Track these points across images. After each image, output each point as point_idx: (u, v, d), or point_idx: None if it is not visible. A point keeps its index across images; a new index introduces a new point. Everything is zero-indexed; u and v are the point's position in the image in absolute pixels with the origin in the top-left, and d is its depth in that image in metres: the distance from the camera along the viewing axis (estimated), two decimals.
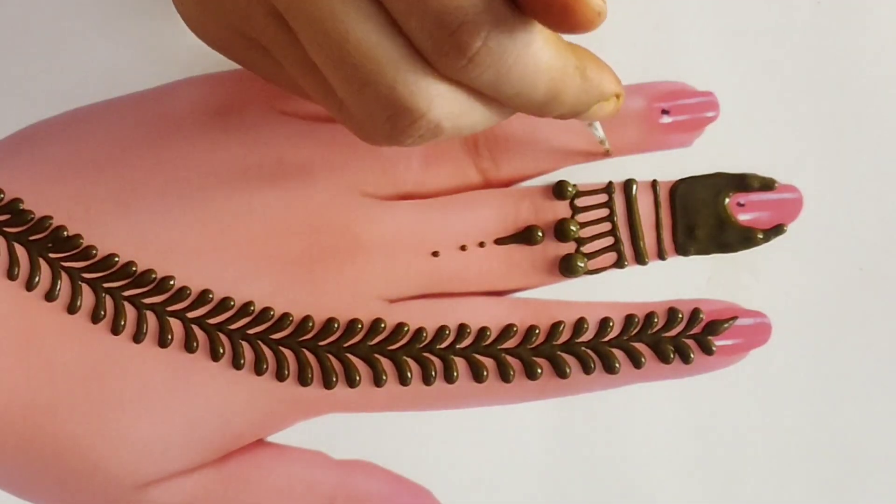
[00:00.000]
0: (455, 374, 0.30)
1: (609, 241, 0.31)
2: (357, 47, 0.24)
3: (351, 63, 0.24)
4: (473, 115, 0.26)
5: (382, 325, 0.29)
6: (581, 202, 0.31)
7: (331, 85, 0.25)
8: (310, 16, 0.24)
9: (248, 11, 0.25)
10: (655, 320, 0.30)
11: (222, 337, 0.29)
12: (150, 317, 0.29)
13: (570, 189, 0.31)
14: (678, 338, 0.30)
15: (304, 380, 0.29)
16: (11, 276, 0.28)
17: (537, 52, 0.24)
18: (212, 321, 0.29)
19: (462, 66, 0.24)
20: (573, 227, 0.31)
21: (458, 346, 0.30)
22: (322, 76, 0.25)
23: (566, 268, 0.31)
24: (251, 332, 0.29)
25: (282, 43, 0.25)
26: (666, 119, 0.32)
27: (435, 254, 0.30)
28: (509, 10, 0.23)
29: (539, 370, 0.30)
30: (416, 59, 0.24)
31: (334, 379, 0.29)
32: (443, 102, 0.25)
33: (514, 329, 0.30)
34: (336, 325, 0.29)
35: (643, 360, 0.30)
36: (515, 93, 0.25)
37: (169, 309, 0.29)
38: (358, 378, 0.29)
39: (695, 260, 0.31)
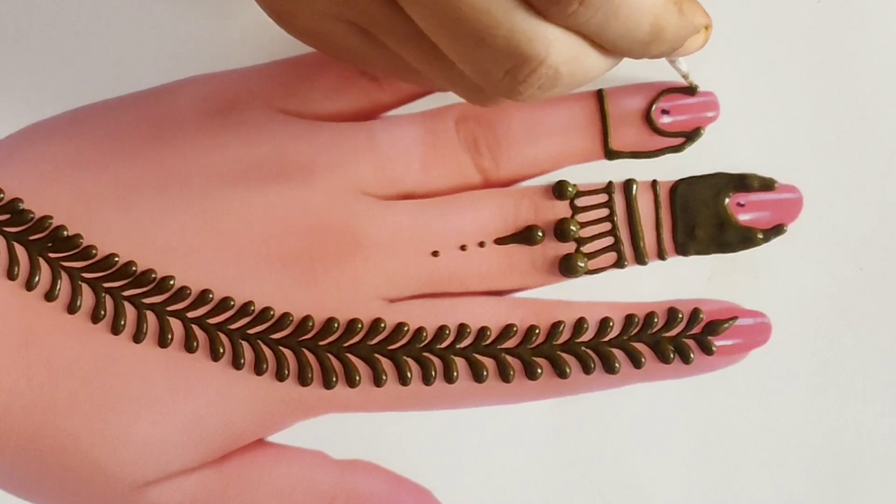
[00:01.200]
0: (455, 373, 0.30)
1: (609, 240, 0.31)
2: (471, 5, 0.24)
3: (466, 20, 0.24)
4: (588, 59, 0.25)
5: (382, 325, 0.29)
6: (581, 202, 0.31)
7: (440, 53, 0.25)
8: None
9: None
10: (655, 320, 0.30)
11: (222, 337, 0.29)
12: (150, 316, 0.29)
13: (570, 189, 0.31)
14: (678, 338, 0.30)
15: (303, 380, 0.29)
16: (11, 275, 0.28)
17: None
18: (212, 321, 0.29)
19: (573, 10, 0.24)
20: (573, 227, 0.31)
21: (458, 346, 0.30)
22: (430, 46, 0.25)
23: (566, 268, 0.31)
24: (251, 331, 0.29)
25: (386, 20, 0.25)
26: (666, 119, 0.32)
27: (435, 253, 0.30)
28: None
29: (539, 370, 0.30)
30: (527, 9, 0.24)
31: (334, 379, 0.29)
32: (559, 47, 0.24)
33: (514, 329, 0.30)
34: (336, 325, 0.29)
35: (643, 360, 0.30)
36: (623, 34, 0.25)
37: (169, 309, 0.29)
38: (358, 378, 0.29)
39: (695, 260, 0.31)
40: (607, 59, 0.26)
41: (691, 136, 0.31)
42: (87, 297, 0.28)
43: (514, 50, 0.24)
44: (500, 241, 0.31)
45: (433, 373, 0.30)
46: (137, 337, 0.28)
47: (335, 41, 0.27)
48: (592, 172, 0.32)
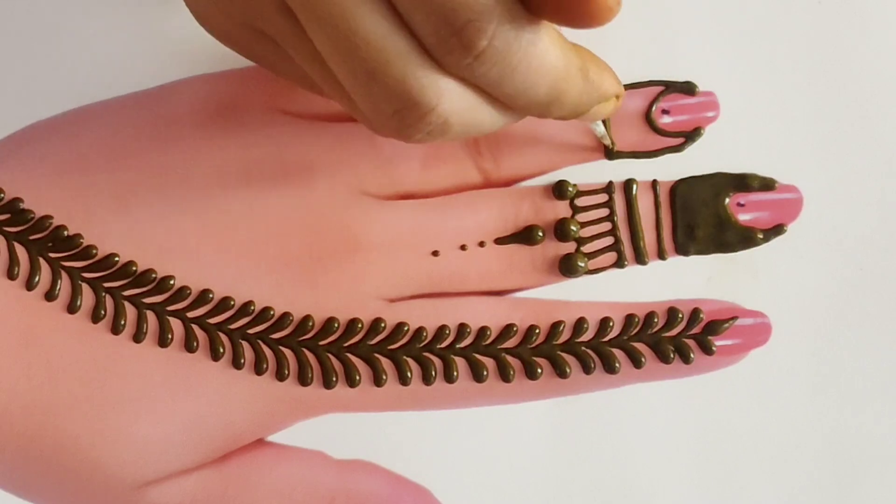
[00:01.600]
0: (455, 373, 0.30)
1: (609, 240, 0.31)
2: (365, 41, 0.24)
3: (359, 56, 0.24)
4: (481, 114, 0.25)
5: (382, 325, 0.29)
6: (581, 202, 0.31)
7: (339, 79, 0.25)
8: (318, 9, 0.24)
9: (257, 4, 0.25)
10: (655, 320, 0.30)
11: (222, 336, 0.29)
12: (150, 316, 0.29)
13: (570, 189, 0.31)
14: (678, 338, 0.30)
15: (304, 379, 0.29)
16: (11, 275, 0.28)
17: (543, 52, 0.24)
18: (212, 321, 0.29)
19: (467, 63, 0.24)
20: (573, 227, 0.31)
21: (458, 346, 0.30)
22: (331, 70, 0.25)
23: (566, 267, 0.31)
24: (251, 331, 0.29)
25: (290, 35, 0.25)
26: (666, 119, 0.32)
27: (435, 253, 0.30)
28: (516, 8, 0.23)
29: (539, 370, 0.30)
30: (424, 55, 0.24)
31: (334, 379, 0.29)
32: (452, 97, 0.25)
33: (515, 329, 0.30)
34: (336, 325, 0.29)
35: (643, 359, 0.30)
36: (519, 92, 0.25)
37: (169, 308, 0.29)
38: (358, 378, 0.29)
39: (695, 260, 0.31)
40: (505, 115, 0.26)
41: (691, 136, 0.31)
42: (87, 297, 0.28)
43: (404, 94, 0.24)
44: (500, 240, 0.31)
45: (433, 373, 0.30)
46: (137, 337, 0.28)
47: (248, 47, 0.27)
48: (592, 172, 0.32)
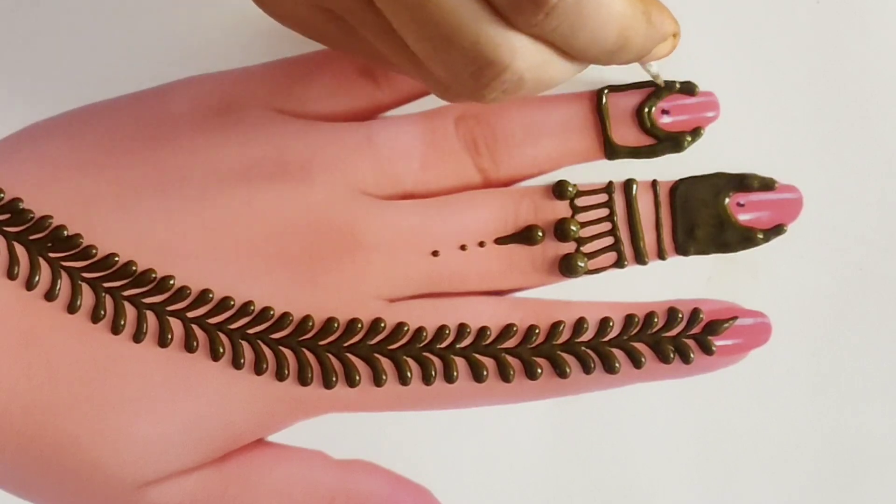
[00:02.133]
0: (455, 373, 0.30)
1: (609, 240, 0.31)
2: (438, 5, 0.24)
3: (433, 22, 0.24)
4: (553, 66, 0.26)
5: (382, 325, 0.29)
6: (581, 202, 0.31)
7: (412, 48, 0.25)
8: None
9: None
10: (655, 320, 0.30)
11: (222, 336, 0.29)
12: (150, 316, 0.29)
13: (570, 189, 0.31)
14: (678, 338, 0.30)
15: (303, 379, 0.29)
16: (11, 275, 0.28)
17: (610, 2, 0.25)
18: (212, 321, 0.29)
19: (539, 20, 0.24)
20: (573, 227, 0.31)
21: (458, 346, 0.30)
22: (401, 41, 0.25)
23: (566, 267, 0.31)
24: (251, 331, 0.29)
25: (360, 11, 0.25)
26: (666, 119, 0.32)
27: (435, 253, 0.30)
28: None
29: (539, 370, 0.30)
30: (495, 15, 0.24)
31: (334, 379, 0.29)
32: (525, 54, 0.25)
33: (514, 329, 0.30)
34: (336, 325, 0.29)
35: (643, 359, 0.30)
36: (589, 43, 0.25)
37: (169, 308, 0.29)
38: (358, 378, 0.29)
39: (695, 260, 0.31)
40: (573, 65, 0.26)
41: (691, 135, 0.31)
42: (87, 297, 0.28)
43: (479, 54, 0.24)
44: (500, 240, 0.31)
45: (433, 373, 0.30)
46: (137, 337, 0.28)
47: (315, 27, 0.27)
48: (592, 172, 0.32)
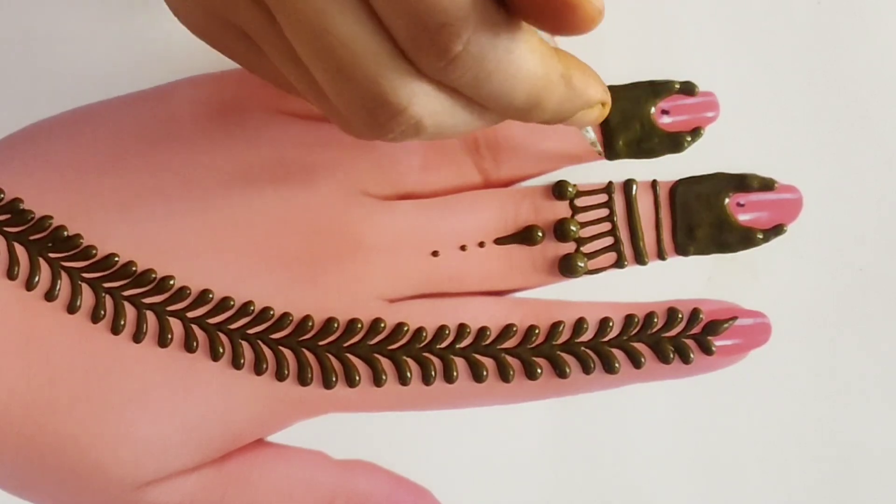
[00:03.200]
0: (455, 373, 0.30)
1: (609, 241, 0.31)
2: (340, 40, 0.23)
3: (333, 56, 0.23)
4: (455, 116, 0.25)
5: (382, 325, 0.29)
6: (581, 202, 0.31)
7: (314, 77, 0.25)
8: (293, 7, 0.23)
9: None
10: (655, 320, 0.30)
11: (222, 337, 0.29)
12: (150, 316, 0.29)
13: (570, 189, 0.31)
14: (678, 338, 0.30)
15: (303, 379, 0.29)
16: (11, 275, 0.28)
17: (520, 58, 0.24)
18: (212, 321, 0.29)
19: (441, 67, 0.23)
20: (573, 227, 0.31)
21: (457, 346, 0.30)
22: (306, 68, 0.25)
23: (566, 268, 0.31)
24: (251, 331, 0.29)
25: (265, 31, 0.25)
26: (666, 119, 0.32)
27: (435, 253, 0.30)
28: (495, 13, 0.23)
29: (539, 370, 0.30)
30: (398, 56, 0.24)
31: (334, 379, 0.29)
32: (424, 100, 0.24)
33: (514, 329, 0.30)
34: (336, 325, 0.29)
35: (643, 360, 0.30)
36: (495, 97, 0.24)
37: (169, 309, 0.29)
38: (358, 378, 0.29)
39: (694, 260, 0.31)
40: (483, 117, 0.26)
41: (691, 135, 0.31)
42: (86, 297, 0.28)
43: (376, 94, 0.24)
44: (499, 241, 0.31)
45: (433, 373, 0.30)
46: (137, 337, 0.28)
47: (225, 43, 0.27)
48: (592, 172, 0.32)
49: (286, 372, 0.29)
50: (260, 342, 0.29)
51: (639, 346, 0.30)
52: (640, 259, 0.31)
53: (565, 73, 0.25)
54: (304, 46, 0.24)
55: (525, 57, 0.24)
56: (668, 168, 0.31)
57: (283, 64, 0.26)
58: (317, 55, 0.24)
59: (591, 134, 0.31)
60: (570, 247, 0.31)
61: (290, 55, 0.25)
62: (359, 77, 0.24)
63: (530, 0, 0.22)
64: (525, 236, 0.31)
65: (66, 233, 0.29)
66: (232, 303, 0.29)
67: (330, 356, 0.29)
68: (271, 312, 0.29)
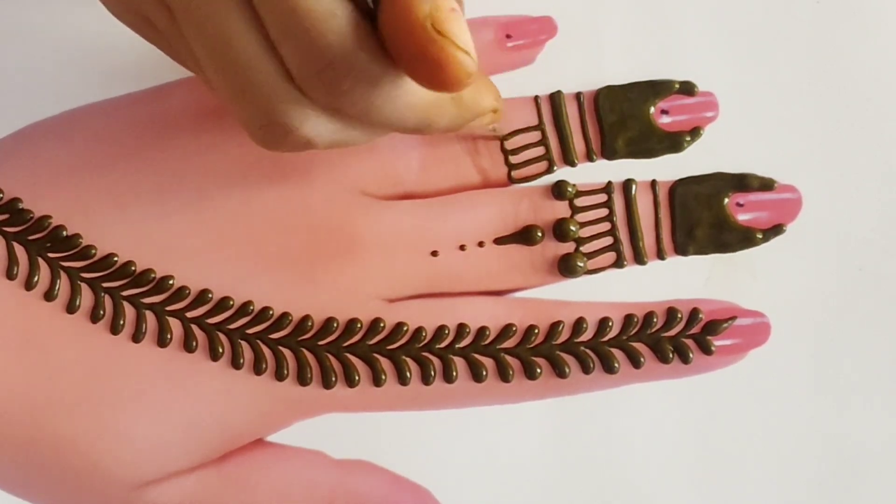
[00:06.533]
0: (454, 373, 0.30)
1: (608, 240, 0.31)
2: (237, 57, 0.24)
3: (230, 70, 0.24)
4: (348, 133, 0.26)
5: (381, 325, 0.29)
6: (580, 202, 0.31)
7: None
8: (193, 15, 0.24)
9: None
10: (655, 320, 0.30)
11: (221, 336, 0.29)
12: (150, 316, 0.29)
13: (569, 189, 0.31)
14: (677, 338, 0.30)
15: (303, 379, 0.29)
16: (10, 275, 0.28)
17: (407, 91, 0.24)
18: (211, 321, 0.29)
19: (329, 101, 0.24)
20: (572, 227, 0.31)
21: (457, 346, 0.30)
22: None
23: (565, 267, 0.31)
24: (250, 331, 0.29)
25: (170, 31, 0.25)
26: (665, 119, 0.32)
27: (434, 253, 0.30)
28: (378, 55, 0.23)
29: (538, 370, 0.30)
30: (290, 82, 0.24)
31: (333, 379, 0.29)
32: (314, 122, 0.25)
33: (514, 329, 0.30)
34: (335, 325, 0.29)
35: (642, 359, 0.30)
36: (385, 124, 0.25)
37: (168, 308, 0.29)
38: (357, 378, 0.29)
39: (694, 260, 0.31)
40: (376, 133, 0.26)
41: (690, 135, 0.31)
42: (86, 297, 0.28)
43: (267, 113, 0.24)
44: (499, 241, 0.31)
45: (432, 373, 0.30)
46: (136, 337, 0.28)
47: (143, 33, 0.27)
48: (592, 172, 0.32)
49: (285, 372, 0.29)
50: (259, 342, 0.29)
51: (638, 345, 0.30)
52: (639, 259, 0.31)
53: (455, 95, 0.26)
54: (203, 53, 0.24)
55: (412, 89, 0.24)
56: (668, 168, 0.31)
57: (188, 63, 0.26)
58: (214, 66, 0.24)
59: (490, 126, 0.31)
60: (569, 247, 0.31)
61: (193, 55, 0.25)
62: (252, 96, 0.24)
63: (403, 53, 0.23)
64: (524, 236, 0.31)
65: (65, 232, 0.29)
66: (231, 303, 0.29)
67: (329, 356, 0.29)
68: (270, 312, 0.29)
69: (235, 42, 0.24)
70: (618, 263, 0.31)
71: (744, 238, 0.31)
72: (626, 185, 0.31)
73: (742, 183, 0.31)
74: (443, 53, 0.22)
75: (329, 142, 0.26)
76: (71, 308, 0.28)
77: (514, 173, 0.31)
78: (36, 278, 0.28)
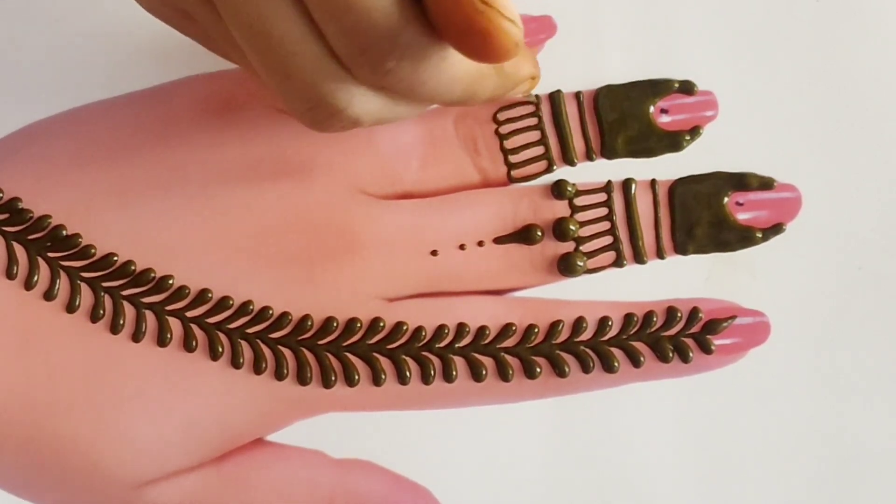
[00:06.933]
0: (454, 373, 0.30)
1: (608, 240, 0.31)
2: (280, 42, 0.24)
3: (274, 56, 0.24)
4: (395, 110, 0.26)
5: (381, 325, 0.29)
6: (580, 201, 0.31)
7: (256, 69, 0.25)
8: (233, 1, 0.24)
9: None
10: (654, 319, 0.30)
11: (221, 336, 0.29)
12: (149, 316, 0.29)
13: (569, 188, 0.31)
14: (677, 337, 0.30)
15: (302, 379, 0.29)
16: (10, 275, 0.28)
17: (453, 64, 0.24)
18: (210, 320, 0.29)
19: (377, 79, 0.24)
20: (572, 227, 0.31)
21: (456, 346, 0.30)
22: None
23: (565, 267, 0.31)
24: (250, 331, 0.29)
25: (211, 22, 0.25)
26: (665, 118, 0.32)
27: (434, 253, 0.30)
28: (424, 31, 0.23)
29: (538, 369, 0.30)
30: (336, 61, 0.24)
31: (333, 378, 0.29)
32: (361, 101, 0.25)
33: (513, 328, 0.30)
34: (335, 324, 0.29)
35: (642, 359, 0.30)
36: (432, 97, 0.25)
37: (168, 308, 0.29)
38: (357, 377, 0.29)
39: (694, 259, 0.31)
40: (422, 107, 0.26)
41: (690, 134, 0.31)
42: (85, 297, 0.28)
43: (315, 95, 0.24)
44: (498, 240, 0.31)
45: (432, 372, 0.30)
46: (136, 336, 0.28)
47: (179, 25, 0.27)
48: (591, 172, 0.32)
49: (285, 371, 0.29)
50: (259, 341, 0.29)
51: (638, 345, 0.30)
52: (639, 258, 0.31)
53: (498, 65, 0.25)
54: (246, 43, 0.24)
55: (458, 61, 0.24)
56: (667, 167, 0.31)
57: (230, 53, 0.26)
58: (258, 53, 0.24)
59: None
60: (569, 246, 0.31)
61: (235, 45, 0.25)
62: (298, 79, 0.24)
63: (449, 26, 0.22)
64: (524, 235, 0.31)
65: (64, 232, 0.29)
66: (231, 302, 0.29)
67: (329, 355, 0.29)
68: (270, 312, 0.29)
69: (278, 25, 0.23)
70: (617, 263, 0.31)
71: (743, 237, 0.31)
72: (626, 184, 0.31)
73: (741, 182, 0.31)
74: (490, 25, 0.22)
75: (376, 119, 0.26)
76: (71, 308, 0.28)
77: (514, 173, 0.32)
78: (36, 278, 0.28)
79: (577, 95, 0.32)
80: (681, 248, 0.31)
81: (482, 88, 0.26)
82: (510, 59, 0.22)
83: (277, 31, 0.24)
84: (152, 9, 0.28)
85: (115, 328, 0.28)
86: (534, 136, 0.32)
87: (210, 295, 0.29)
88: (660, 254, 0.31)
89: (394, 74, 0.24)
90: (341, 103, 0.25)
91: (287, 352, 0.29)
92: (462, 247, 0.31)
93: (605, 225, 0.31)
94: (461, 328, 0.30)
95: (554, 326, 0.30)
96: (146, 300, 0.29)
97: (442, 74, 0.24)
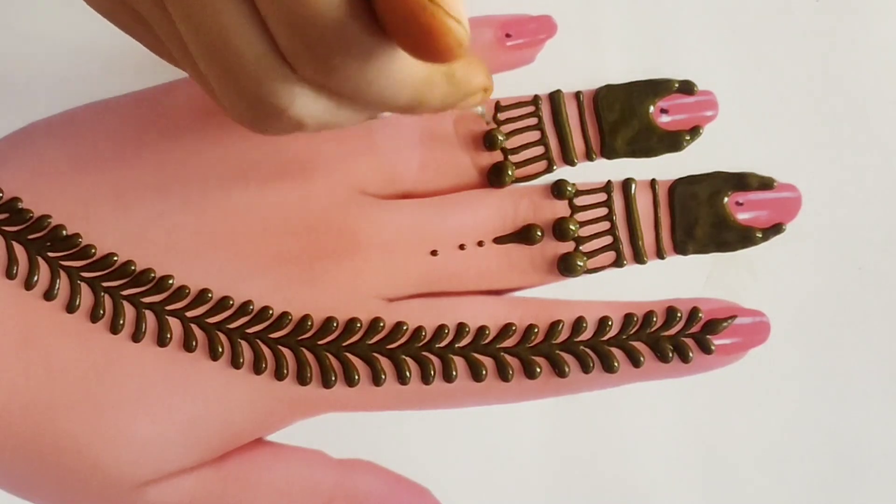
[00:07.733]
0: (454, 373, 0.30)
1: (608, 240, 0.31)
2: (224, 37, 0.23)
3: (217, 51, 0.23)
4: (340, 114, 0.25)
5: (381, 324, 0.29)
6: (580, 201, 0.31)
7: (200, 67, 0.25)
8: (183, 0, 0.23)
9: None
10: (654, 319, 0.30)
11: (221, 336, 0.29)
12: (149, 316, 0.29)
13: (569, 188, 0.31)
14: (677, 337, 0.30)
15: (302, 379, 0.29)
16: (10, 275, 0.28)
17: (400, 66, 0.24)
18: (210, 320, 0.29)
19: (320, 77, 0.23)
20: (572, 227, 0.31)
21: (456, 345, 0.30)
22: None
23: (565, 267, 0.31)
24: (250, 331, 0.29)
25: (158, 18, 0.25)
26: (665, 118, 0.32)
27: (434, 253, 0.30)
28: (371, 28, 0.23)
29: (538, 369, 0.30)
30: (280, 59, 0.23)
31: (333, 378, 0.29)
32: (305, 101, 0.24)
33: (513, 328, 0.30)
34: (335, 324, 0.29)
35: (642, 359, 0.30)
36: (378, 101, 0.24)
37: (168, 308, 0.29)
38: (357, 377, 0.29)
39: (693, 259, 0.31)
40: (366, 113, 0.26)
41: (690, 134, 0.31)
42: (85, 297, 0.28)
43: (257, 94, 0.24)
44: (498, 240, 0.31)
45: (432, 372, 0.30)
46: (136, 336, 0.28)
47: (127, 26, 0.27)
48: (591, 172, 0.32)
49: (285, 371, 0.29)
50: (259, 341, 0.29)
51: (638, 345, 0.30)
52: (639, 258, 0.31)
53: (448, 70, 0.25)
54: (191, 38, 0.24)
55: (406, 63, 0.24)
56: (667, 167, 0.31)
57: (175, 52, 0.25)
58: (202, 48, 0.24)
59: (480, 108, 0.30)
60: (569, 246, 0.31)
61: (182, 44, 0.25)
62: (241, 77, 0.23)
63: (394, 21, 0.22)
64: (524, 235, 0.31)
65: (64, 232, 0.29)
66: (231, 302, 0.29)
67: (329, 355, 0.29)
68: (270, 312, 0.29)
69: (225, 21, 0.23)
70: (617, 263, 0.31)
71: (743, 237, 0.31)
72: (626, 184, 0.31)
73: (741, 182, 0.31)
74: (434, 21, 0.21)
75: (320, 123, 0.25)
76: (71, 308, 0.28)
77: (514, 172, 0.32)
78: (35, 278, 0.28)
79: (577, 95, 0.32)
80: (681, 248, 0.31)
81: (431, 95, 0.25)
82: (454, 59, 0.22)
83: (223, 26, 0.23)
84: (100, 7, 0.27)
85: (115, 328, 0.28)
86: (534, 135, 0.32)
87: (210, 295, 0.29)
88: (660, 254, 0.31)
89: (339, 72, 0.23)
90: (283, 103, 0.24)
91: (287, 352, 0.29)
92: (462, 247, 0.31)
93: (605, 225, 0.31)
94: (461, 328, 0.30)
95: (554, 326, 0.30)
96: (146, 300, 0.29)
97: (389, 76, 0.24)
